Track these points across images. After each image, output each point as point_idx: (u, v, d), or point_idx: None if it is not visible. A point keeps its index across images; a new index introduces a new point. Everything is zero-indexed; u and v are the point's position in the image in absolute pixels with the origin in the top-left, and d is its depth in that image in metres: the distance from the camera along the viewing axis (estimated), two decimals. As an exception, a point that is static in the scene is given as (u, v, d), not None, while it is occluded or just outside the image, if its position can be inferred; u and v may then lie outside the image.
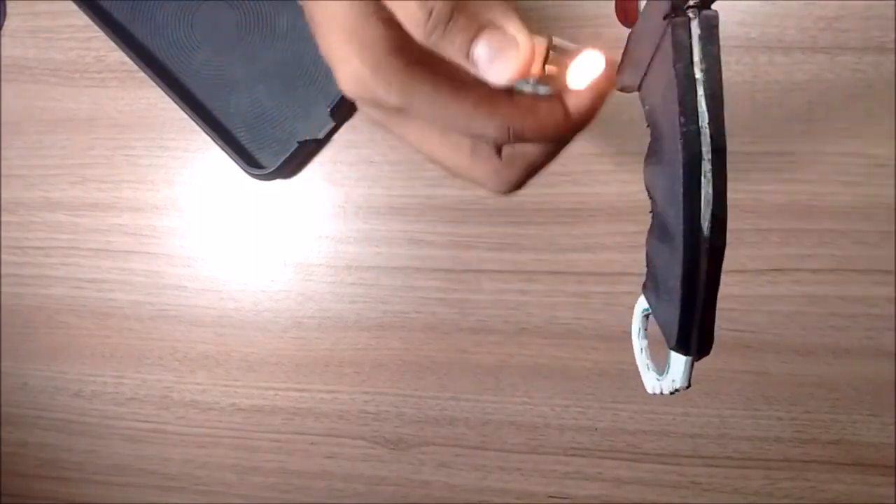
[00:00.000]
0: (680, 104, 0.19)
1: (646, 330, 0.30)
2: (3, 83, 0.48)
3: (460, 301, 0.44)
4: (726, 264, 0.45)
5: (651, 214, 0.25)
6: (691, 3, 0.18)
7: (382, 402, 0.46)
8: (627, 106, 0.40)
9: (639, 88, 0.24)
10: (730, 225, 0.41)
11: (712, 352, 0.42)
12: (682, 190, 0.20)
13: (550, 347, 0.43)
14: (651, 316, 0.27)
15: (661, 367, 0.26)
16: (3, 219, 0.50)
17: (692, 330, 0.22)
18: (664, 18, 0.19)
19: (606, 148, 0.41)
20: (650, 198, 0.24)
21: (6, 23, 0.48)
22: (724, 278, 0.43)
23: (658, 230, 0.23)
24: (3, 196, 0.49)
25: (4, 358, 0.51)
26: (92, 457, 0.51)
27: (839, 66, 0.38)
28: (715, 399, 0.42)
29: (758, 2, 0.39)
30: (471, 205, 0.43)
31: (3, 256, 0.50)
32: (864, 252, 0.40)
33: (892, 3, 0.38)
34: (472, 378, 0.45)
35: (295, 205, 0.46)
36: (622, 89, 0.28)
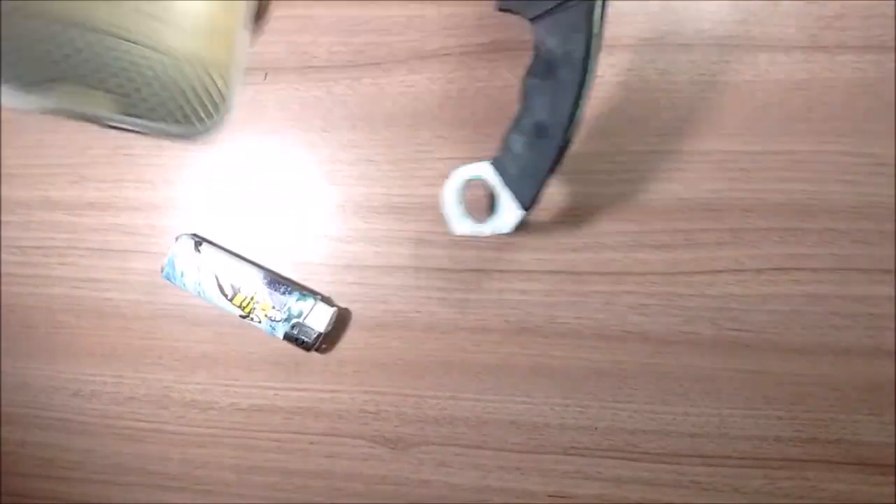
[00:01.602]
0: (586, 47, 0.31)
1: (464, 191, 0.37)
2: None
3: (460, 301, 0.44)
4: (726, 263, 0.46)
5: (518, 118, 0.34)
6: None
7: (382, 401, 0.46)
8: (628, 106, 0.40)
9: (531, 20, 0.33)
10: (730, 224, 0.44)
11: (711, 351, 0.43)
12: (568, 105, 0.32)
13: (550, 347, 0.43)
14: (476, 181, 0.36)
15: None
16: (3, 219, 0.50)
17: (537, 196, 0.34)
18: None
19: (607, 148, 0.41)
20: (523, 104, 0.34)
21: (5, 22, 0.48)
22: (724, 277, 0.44)
23: (528, 129, 0.34)
24: (3, 196, 0.49)
25: (4, 357, 0.51)
26: (91, 456, 0.51)
27: (839, 65, 0.38)
28: (715, 399, 0.42)
29: (758, 1, 0.39)
30: (471, 204, 0.43)
31: (3, 256, 0.50)
32: (864, 251, 0.40)
33: (893, 2, 0.38)
34: (472, 378, 0.45)
35: (295, 205, 0.46)
36: (503, 10, 0.35)
